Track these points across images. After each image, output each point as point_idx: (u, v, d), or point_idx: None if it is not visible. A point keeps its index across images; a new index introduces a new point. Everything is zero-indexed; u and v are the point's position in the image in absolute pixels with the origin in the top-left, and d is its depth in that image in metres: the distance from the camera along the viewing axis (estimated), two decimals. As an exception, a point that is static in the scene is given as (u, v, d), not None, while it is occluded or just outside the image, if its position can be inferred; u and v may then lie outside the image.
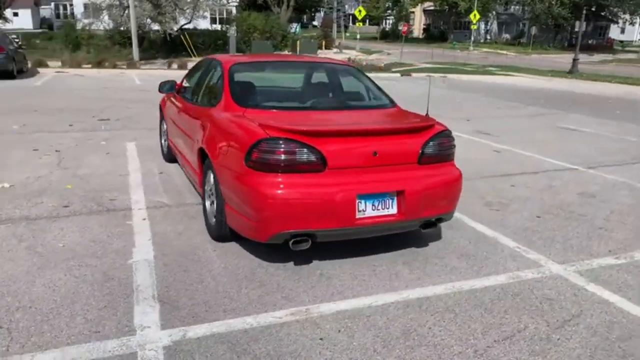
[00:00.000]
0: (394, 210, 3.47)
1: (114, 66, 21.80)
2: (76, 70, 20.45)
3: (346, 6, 70.66)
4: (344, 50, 37.51)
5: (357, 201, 3.34)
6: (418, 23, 64.65)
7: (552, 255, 4.01)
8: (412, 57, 33.35)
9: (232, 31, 33.12)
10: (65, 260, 3.61)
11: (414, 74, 23.63)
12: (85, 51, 25.79)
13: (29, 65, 19.55)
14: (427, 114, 4.12)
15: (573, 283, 3.54)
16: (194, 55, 25.70)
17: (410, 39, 58.18)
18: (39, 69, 19.65)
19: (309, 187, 3.24)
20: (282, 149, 3.23)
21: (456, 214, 4.69)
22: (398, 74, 23.48)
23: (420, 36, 62.16)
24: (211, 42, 31.37)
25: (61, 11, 46.29)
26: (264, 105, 3.99)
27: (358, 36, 43.02)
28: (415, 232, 3.87)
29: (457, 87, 18.37)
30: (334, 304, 3.16)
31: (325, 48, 37.04)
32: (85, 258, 3.66)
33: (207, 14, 34.89)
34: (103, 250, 3.80)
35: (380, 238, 3.97)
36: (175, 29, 28.79)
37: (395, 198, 3.46)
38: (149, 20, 28.15)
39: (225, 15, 39.58)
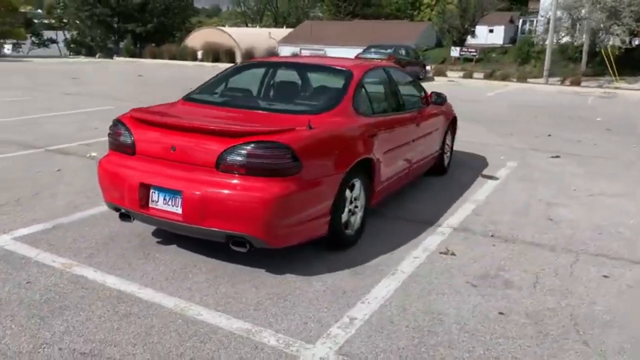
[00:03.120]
0: (179, 210, 3.35)
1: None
2: (471, 81, 21.84)
3: None
4: None
5: (150, 191, 3.44)
6: None
7: None
8: None
9: None
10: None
11: None
12: (532, 65, 26.47)
13: (430, 73, 22.38)
14: (309, 125, 3.45)
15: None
16: (615, 76, 22.43)
17: None
18: (436, 77, 22.18)
19: (117, 167, 3.62)
20: (111, 130, 3.74)
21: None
22: None
23: None
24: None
25: (527, 27, 48.08)
26: (195, 98, 4.31)
27: None
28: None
29: None
30: (85, 268, 3.49)
31: None
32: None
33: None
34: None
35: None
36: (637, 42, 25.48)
37: (181, 198, 3.33)
38: (602, 33, 25.92)
39: None
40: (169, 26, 35.52)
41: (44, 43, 38.51)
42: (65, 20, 37.92)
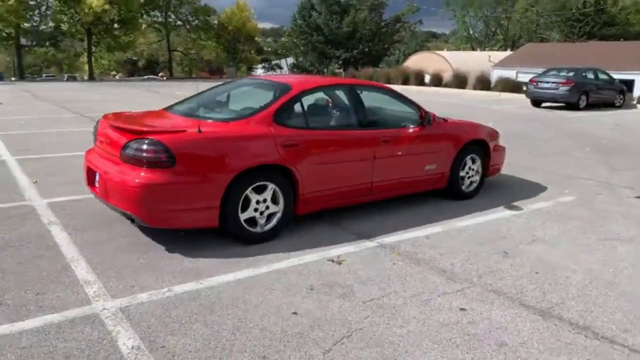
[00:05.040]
0: (98, 187, 4.33)
1: None
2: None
3: None
4: None
5: (96, 173, 4.52)
6: None
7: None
8: None
9: None
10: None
11: None
12: None
13: (634, 100, 19.49)
14: (199, 129, 4.07)
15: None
16: None
17: None
18: (638, 105, 19.14)
19: (87, 155, 4.78)
20: (93, 128, 4.91)
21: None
22: None
23: None
24: None
25: None
26: (170, 107, 5.19)
27: None
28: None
29: None
30: (58, 226, 4.70)
31: None
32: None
33: None
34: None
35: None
36: None
37: (98, 178, 4.31)
38: None
39: None
40: (373, 51, 37.90)
41: (272, 67, 44.96)
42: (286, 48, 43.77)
